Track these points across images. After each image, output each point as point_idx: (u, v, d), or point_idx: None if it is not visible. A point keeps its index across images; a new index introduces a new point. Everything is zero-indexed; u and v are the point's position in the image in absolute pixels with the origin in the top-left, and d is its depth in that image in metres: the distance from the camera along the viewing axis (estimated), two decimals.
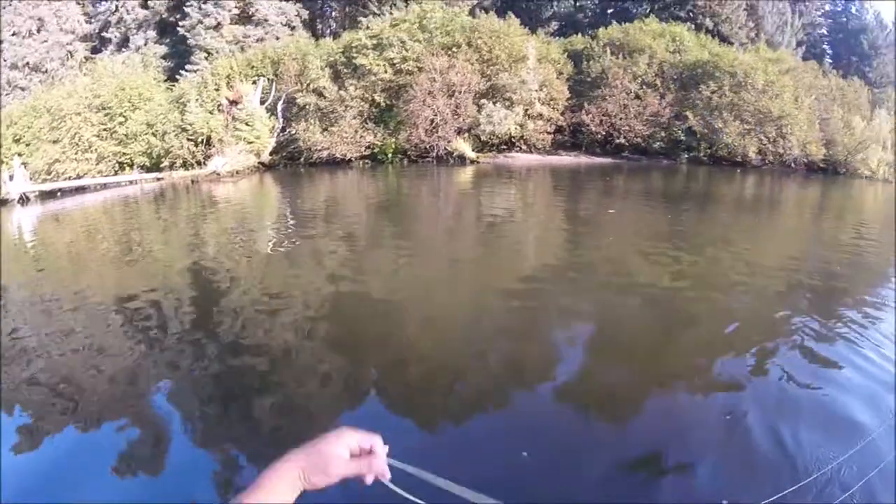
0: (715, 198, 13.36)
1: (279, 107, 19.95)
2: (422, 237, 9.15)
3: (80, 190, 18.63)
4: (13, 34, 29.20)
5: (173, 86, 21.42)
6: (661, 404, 3.63)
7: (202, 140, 19.18)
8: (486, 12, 21.71)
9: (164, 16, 26.37)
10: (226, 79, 20.42)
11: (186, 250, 8.63)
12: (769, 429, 3.19)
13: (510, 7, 24.29)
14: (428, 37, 19.34)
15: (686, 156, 19.65)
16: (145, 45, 26.90)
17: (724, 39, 25.01)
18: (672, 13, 25.71)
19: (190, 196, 15.99)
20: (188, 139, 19.09)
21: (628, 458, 3.08)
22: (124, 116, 19.56)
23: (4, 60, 28.93)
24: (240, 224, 10.82)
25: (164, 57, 26.41)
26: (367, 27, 19.73)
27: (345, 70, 19.35)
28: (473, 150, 18.72)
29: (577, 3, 28.97)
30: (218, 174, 18.40)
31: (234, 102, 19.75)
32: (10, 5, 29.12)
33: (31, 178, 18.29)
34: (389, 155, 19.20)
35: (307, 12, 26.51)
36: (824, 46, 37.97)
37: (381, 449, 0.97)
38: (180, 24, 25.12)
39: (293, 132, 19.41)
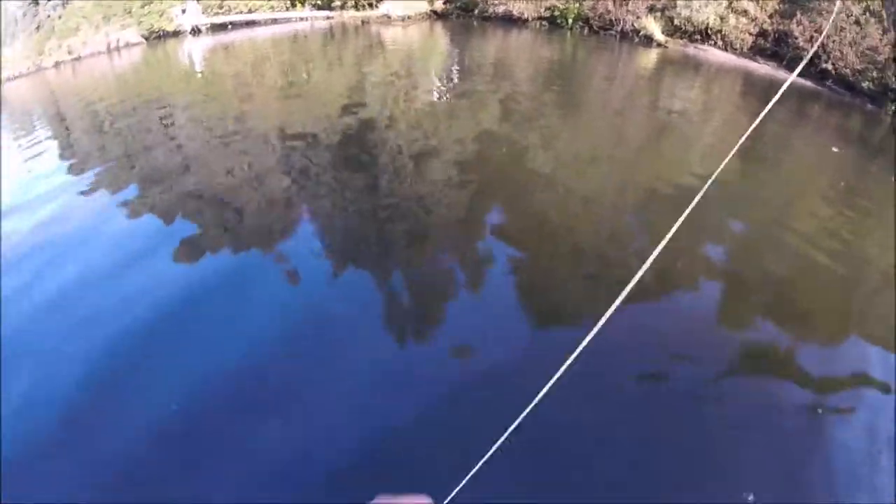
0: None
1: None
2: (586, 117, 8.41)
3: (251, 24, 18.69)
4: None
5: None
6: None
7: None
8: None
9: None
10: None
11: (349, 89, 8.36)
12: None
13: None
14: None
15: (894, 108, 16.98)
16: None
17: None
18: None
19: (359, 36, 15.64)
20: None
21: None
22: None
23: None
24: (404, 69, 10.35)
25: None
26: None
27: None
28: (663, 33, 16.85)
29: None
30: (389, 17, 17.90)
31: None
32: None
33: (203, 12, 18.39)
34: (570, 21, 17.70)
35: None
36: None
37: None
38: None
39: None
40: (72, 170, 5.38)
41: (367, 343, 3.11)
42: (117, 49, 15.34)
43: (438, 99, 8.15)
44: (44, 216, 4.46)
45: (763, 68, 17.03)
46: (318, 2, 19.38)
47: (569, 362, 1.03)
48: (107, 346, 3.02)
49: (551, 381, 1.00)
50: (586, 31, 17.73)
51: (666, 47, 16.85)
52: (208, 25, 18.60)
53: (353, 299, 3.45)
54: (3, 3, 15.19)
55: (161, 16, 18.53)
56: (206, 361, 3.00)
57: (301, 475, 2.53)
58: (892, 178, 9.59)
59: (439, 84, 9.13)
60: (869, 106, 16.88)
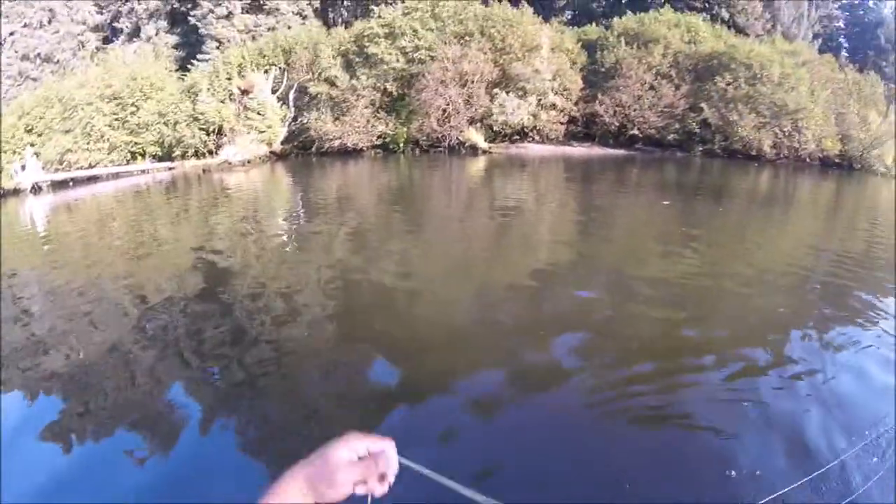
0: (729, 192, 13.11)
1: (291, 96, 19.85)
2: (433, 228, 9.01)
3: (93, 179, 18.68)
4: (24, 25, 29.26)
5: (185, 75, 21.35)
6: (676, 397, 3.51)
7: (214, 129, 19.17)
8: (499, 1, 21.47)
9: (175, 6, 26.26)
10: (237, 68, 20.33)
11: (198, 241, 8.57)
12: (782, 420, 3.16)
13: None
14: (440, 25, 19.16)
15: (700, 148, 19.37)
16: (156, 34, 26.81)
17: (740, 31, 24.68)
18: (687, 3, 25.34)
19: (202, 185, 15.95)
20: (200, 128, 19.08)
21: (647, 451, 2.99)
22: (136, 106, 19.58)
23: (15, 52, 29.02)
24: (251, 214, 10.75)
25: (175, 47, 26.33)
26: (379, 16, 19.55)
27: (356, 59, 19.19)
28: (486, 141, 18.54)
29: None
30: (229, 163, 18.38)
31: (245, 92, 19.69)
32: None
33: (43, 168, 18.35)
34: (401, 144, 19.06)
35: (318, 1, 26.32)
36: (840, 40, 37.44)
37: (392, 450, 0.92)
38: (191, 13, 25.01)
39: (305, 121, 19.33)
40: None
41: None
42: None
43: (288, 241, 8.27)
44: None
45: (578, 150, 18.79)
46: (159, 152, 19.51)
47: None
48: None
49: None
50: (417, 151, 19.00)
51: (491, 152, 18.24)
52: (49, 182, 18.05)
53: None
54: None
55: (0, 173, 18.14)
56: None
57: None
58: (719, 209, 10.78)
59: (287, 226, 9.36)
60: (678, 154, 19.19)
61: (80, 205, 14.82)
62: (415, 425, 3.34)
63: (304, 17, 25.29)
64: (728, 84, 18.64)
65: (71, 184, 18.21)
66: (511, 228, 8.42)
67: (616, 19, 21.73)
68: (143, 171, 19.11)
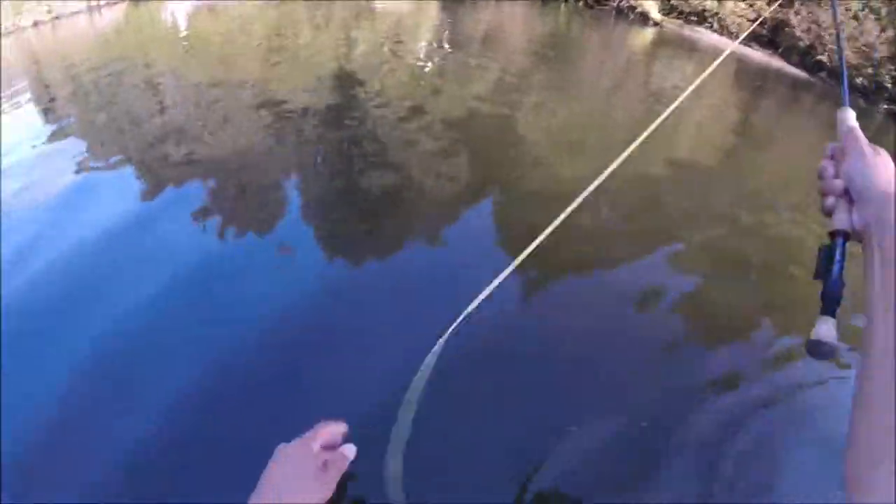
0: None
1: None
2: (576, 96, 8.53)
3: None
4: None
5: None
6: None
7: None
8: None
9: None
10: None
11: (336, 56, 8.48)
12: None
13: None
14: None
15: (885, 106, 16.96)
16: None
17: None
18: None
19: (347, 1, 15.18)
20: None
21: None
22: None
23: None
24: (394, 37, 10.38)
25: None
26: None
27: None
28: (660, 12, 16.60)
29: None
30: None
31: None
32: None
33: None
34: None
35: None
36: None
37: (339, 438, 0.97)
38: None
39: None
40: (55, 136, 5.73)
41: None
42: (98, 8, 15.10)
43: (428, 69, 8.35)
44: (30, 181, 4.77)
45: (757, 55, 16.77)
46: None
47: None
48: (117, 319, 2.88)
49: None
50: (581, 4, 17.21)
51: (662, 26, 16.52)
52: None
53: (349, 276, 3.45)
54: None
55: None
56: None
57: None
58: None
59: (429, 54, 9.32)
60: (861, 102, 16.90)
61: (221, 9, 14.46)
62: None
63: None
64: None
65: None
66: (656, 118, 7.98)
67: None
68: None
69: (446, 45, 9.90)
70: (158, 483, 1.92)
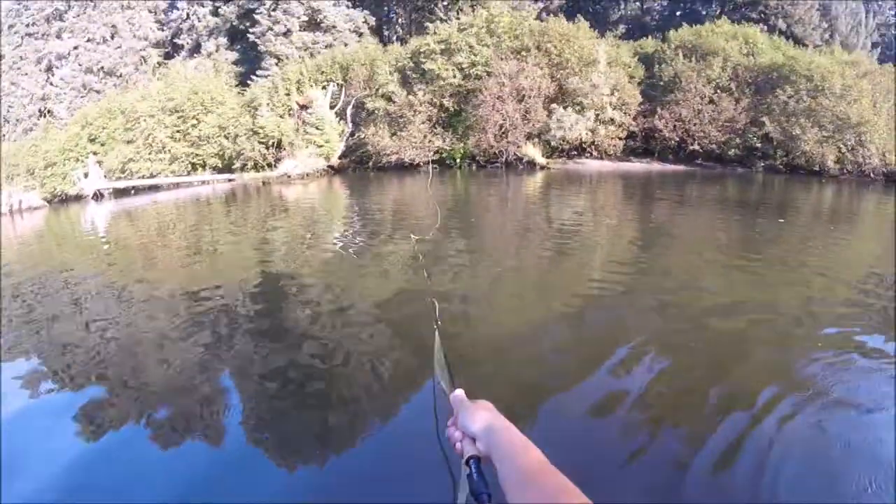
0: (792, 208, 12.67)
1: (348, 111, 20.21)
2: (489, 243, 8.97)
3: (154, 188, 19.41)
4: (88, 40, 30.63)
5: (244, 90, 22.03)
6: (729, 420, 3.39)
7: (273, 143, 19.66)
8: (554, 15, 21.44)
9: (234, 23, 27.12)
10: (296, 84, 20.85)
11: (255, 252, 8.75)
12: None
13: (577, 10, 23.90)
14: (496, 41, 19.24)
15: (762, 164, 18.85)
16: (217, 51, 27.76)
17: (798, 42, 24.02)
18: (743, 14, 24.88)
19: (260, 197, 16.30)
20: (259, 142, 19.63)
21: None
22: (197, 119, 20.25)
23: (79, 65, 30.36)
24: (309, 227, 10.93)
25: (235, 62, 27.18)
26: (435, 32, 19.76)
27: (413, 75, 19.42)
28: (543, 156, 18.47)
29: (644, 6, 28.30)
30: (288, 176, 18.81)
31: (304, 107, 20.14)
32: (85, 14, 30.57)
33: (105, 176, 19.16)
34: (458, 160, 19.18)
35: (374, 19, 26.78)
36: None
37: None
38: (250, 31, 25.77)
39: (362, 136, 19.65)
40: None
41: None
42: (19, 212, 15.47)
43: (346, 254, 8.40)
44: None
45: (637, 166, 18.57)
46: (219, 164, 20.10)
47: None
48: None
49: None
50: (474, 166, 19.09)
51: (548, 168, 18.17)
52: (111, 190, 18.59)
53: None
54: None
55: (64, 178, 18.66)
56: None
57: None
58: (780, 220, 10.51)
59: (343, 240, 9.52)
60: (739, 170, 18.73)
61: (140, 212, 15.32)
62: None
63: (361, 35, 25.77)
64: (789, 97, 18.12)
65: (132, 192, 18.98)
66: (567, 248, 8.34)
67: (672, 32, 21.40)
68: (203, 182, 19.76)
69: (358, 232, 10.31)
70: None
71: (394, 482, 3.02)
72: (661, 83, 19.83)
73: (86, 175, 18.81)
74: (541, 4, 24.66)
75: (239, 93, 22.00)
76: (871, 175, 17.77)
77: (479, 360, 4.33)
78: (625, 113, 19.19)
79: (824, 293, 6.02)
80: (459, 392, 1.07)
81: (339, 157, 20.13)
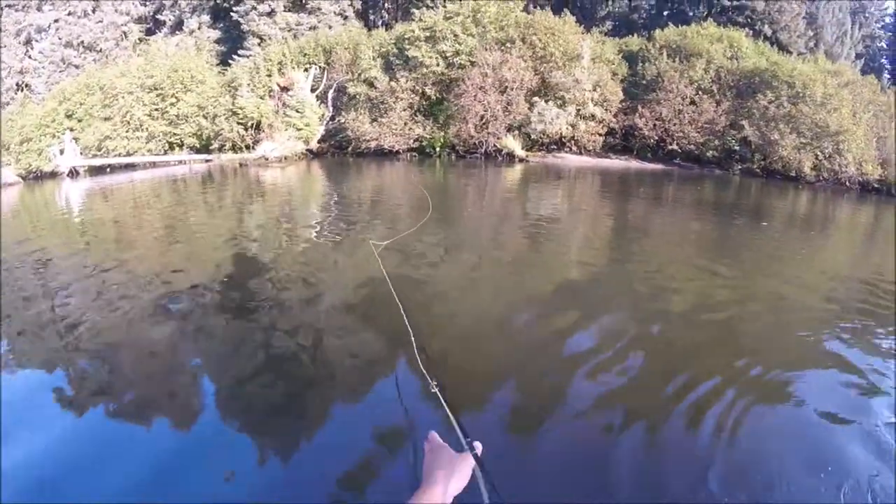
0: (768, 212, 12.76)
1: (329, 95, 20.00)
2: (464, 234, 8.91)
3: (130, 167, 19.04)
4: (69, 13, 29.92)
5: (225, 70, 21.67)
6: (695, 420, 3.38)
7: (252, 125, 19.38)
8: (541, 9, 21.35)
9: (218, 1, 26.64)
10: (278, 65, 20.56)
11: (231, 233, 8.61)
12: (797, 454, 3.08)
13: (564, 4, 23.85)
14: (481, 31, 19.11)
15: (739, 167, 19.01)
16: (199, 28, 27.28)
17: (783, 48, 24.22)
18: (730, 18, 24.99)
19: (238, 179, 16.06)
20: (238, 123, 19.33)
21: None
22: (176, 97, 19.89)
23: (59, 38, 29.66)
24: (285, 209, 10.79)
25: (217, 41, 26.75)
26: (421, 19, 19.58)
27: (396, 61, 19.24)
28: (523, 149, 18.43)
29: (633, 3, 28.34)
30: (266, 159, 18.55)
31: (285, 89, 19.88)
32: None
33: (81, 153, 18.75)
34: (437, 149, 19.06)
35: (360, 2, 26.51)
36: (883, 61, 36.50)
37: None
38: (234, 9, 25.34)
39: (342, 121, 19.45)
40: None
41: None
42: None
43: (321, 239, 8.28)
44: None
45: (616, 162, 18.58)
46: (196, 144, 19.84)
47: None
48: None
49: None
50: (453, 156, 19.01)
51: (527, 161, 18.15)
52: (86, 167, 18.20)
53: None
54: None
55: (39, 155, 18.23)
56: None
57: None
58: (762, 223, 10.57)
59: (319, 224, 9.39)
60: (716, 171, 18.88)
61: (115, 190, 15.02)
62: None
63: (346, 18, 25.48)
64: (770, 102, 18.27)
65: (108, 170, 18.59)
66: (541, 242, 8.32)
67: (658, 31, 21.45)
68: (180, 162, 19.42)
69: (335, 217, 10.16)
70: None
71: (360, 452, 3.06)
72: (644, 81, 19.88)
73: (62, 152, 18.40)
74: None
75: (220, 72, 21.64)
76: (847, 184, 18.00)
77: (449, 338, 4.32)
78: (606, 109, 19.21)
79: (794, 296, 6.07)
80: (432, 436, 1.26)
81: (319, 142, 19.91)
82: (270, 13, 24.36)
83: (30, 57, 29.62)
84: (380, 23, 25.86)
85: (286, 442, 3.21)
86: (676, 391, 3.69)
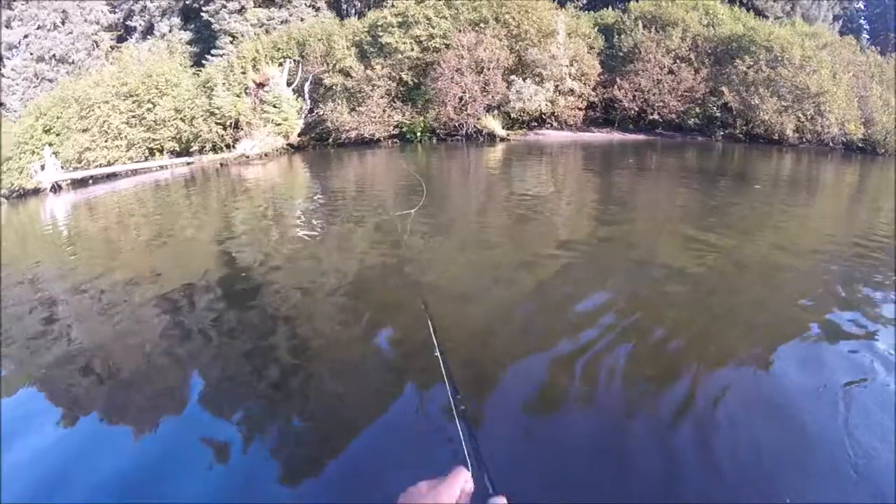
0: (752, 176, 12.72)
1: (306, 88, 19.80)
2: (451, 216, 8.82)
3: (112, 176, 18.81)
4: (38, 27, 29.48)
5: (200, 71, 21.41)
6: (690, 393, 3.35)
7: (230, 123, 19.16)
8: None
9: (187, 2, 26.31)
10: (252, 62, 20.33)
11: (217, 235, 8.50)
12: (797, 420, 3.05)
13: None
14: (454, 13, 18.96)
15: (721, 133, 18.98)
16: (170, 31, 26.93)
17: (759, 13, 24.15)
18: None
19: (220, 179, 15.89)
20: (216, 123, 19.11)
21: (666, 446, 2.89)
22: (152, 103, 19.61)
23: (31, 54, 29.26)
24: (269, 207, 10.68)
25: (189, 43, 26.42)
26: (393, 5, 19.39)
27: (371, 49, 19.08)
28: (503, 128, 18.33)
29: None
30: (247, 157, 18.37)
31: (260, 85, 19.66)
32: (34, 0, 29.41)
33: (62, 167, 18.51)
34: (418, 134, 18.93)
35: None
36: (861, 22, 36.53)
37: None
38: (204, 9, 25.02)
39: (321, 113, 19.27)
40: None
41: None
42: None
43: (308, 233, 8.18)
44: None
45: (598, 136, 18.55)
46: (176, 148, 19.61)
47: None
48: None
49: None
50: (434, 140, 18.92)
51: (509, 140, 18.06)
52: (68, 181, 17.98)
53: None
54: None
55: (20, 173, 17.94)
56: None
57: None
58: (755, 186, 10.56)
59: (304, 219, 9.28)
60: (699, 138, 18.87)
61: (99, 201, 14.84)
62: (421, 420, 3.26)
63: (317, 9, 25.22)
64: (748, 67, 18.24)
65: (90, 181, 18.35)
66: (529, 219, 8.23)
67: (632, 2, 21.34)
68: (161, 167, 19.19)
69: (319, 211, 10.06)
70: None
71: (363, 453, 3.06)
72: (621, 54, 19.80)
73: (42, 168, 18.17)
74: None
75: (194, 73, 21.37)
76: (831, 144, 18.00)
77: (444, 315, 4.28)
78: (584, 83, 19.12)
79: (783, 259, 6.01)
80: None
81: (299, 135, 19.74)
82: (241, 10, 24.09)
83: (2, 75, 29.23)
84: (352, 12, 25.60)
85: (284, 441, 3.21)
86: (682, 382, 3.57)
